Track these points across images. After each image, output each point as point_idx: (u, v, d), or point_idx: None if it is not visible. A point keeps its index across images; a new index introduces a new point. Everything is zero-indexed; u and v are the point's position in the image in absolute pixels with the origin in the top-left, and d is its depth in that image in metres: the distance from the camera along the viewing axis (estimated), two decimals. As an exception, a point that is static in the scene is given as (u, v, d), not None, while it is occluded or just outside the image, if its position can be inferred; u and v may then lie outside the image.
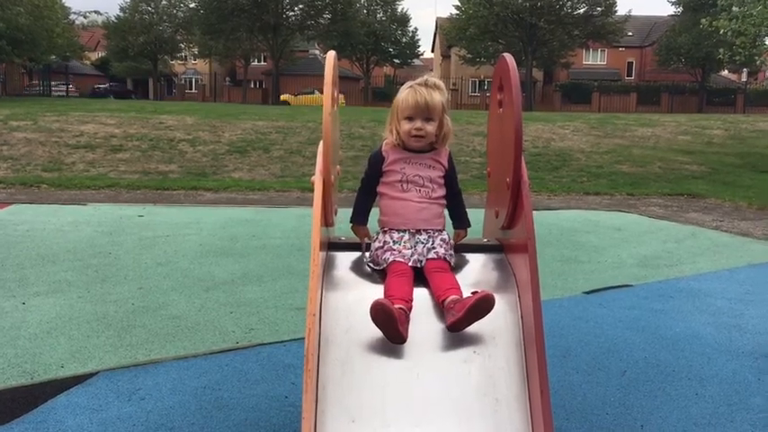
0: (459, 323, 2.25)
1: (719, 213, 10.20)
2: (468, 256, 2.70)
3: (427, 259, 2.44)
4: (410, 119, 2.45)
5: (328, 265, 2.60)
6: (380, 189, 2.58)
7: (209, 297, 5.06)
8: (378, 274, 2.52)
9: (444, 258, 2.47)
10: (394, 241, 2.48)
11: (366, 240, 2.64)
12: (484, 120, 17.49)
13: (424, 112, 2.44)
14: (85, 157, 13.88)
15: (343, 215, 2.81)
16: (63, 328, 4.30)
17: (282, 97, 41.43)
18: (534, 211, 2.43)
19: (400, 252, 2.45)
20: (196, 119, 18.43)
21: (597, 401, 3.38)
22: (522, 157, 2.45)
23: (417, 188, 2.51)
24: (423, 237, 2.51)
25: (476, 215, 2.86)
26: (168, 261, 6.17)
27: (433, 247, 2.48)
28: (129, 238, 7.18)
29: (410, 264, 2.43)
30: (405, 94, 2.47)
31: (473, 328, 2.32)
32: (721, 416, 3.26)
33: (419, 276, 2.47)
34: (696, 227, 8.89)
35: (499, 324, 2.40)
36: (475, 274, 2.63)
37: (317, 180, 2.41)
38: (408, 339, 2.28)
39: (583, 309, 4.95)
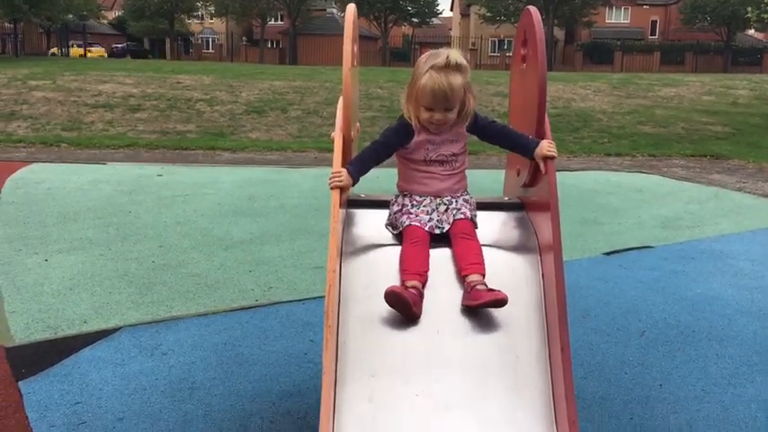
0: (471, 308, 2.25)
1: (743, 175, 10.04)
2: (489, 214, 2.66)
3: (455, 219, 2.37)
4: (429, 109, 2.30)
5: (347, 223, 2.58)
6: (400, 159, 2.47)
7: (229, 256, 5.09)
8: (396, 238, 2.49)
9: (471, 219, 2.40)
10: (413, 204, 2.41)
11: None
12: (504, 80, 17.27)
13: (443, 102, 2.27)
14: (104, 117, 13.91)
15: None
16: (85, 285, 4.36)
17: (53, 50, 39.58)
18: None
19: (417, 216, 2.38)
20: (213, 78, 18.35)
21: (616, 361, 3.37)
22: (546, 112, 2.40)
23: (441, 164, 2.42)
24: (446, 199, 2.43)
25: (496, 176, 2.83)
26: (187, 220, 6.21)
27: (459, 208, 2.41)
28: (149, 197, 7.22)
29: (426, 229, 2.37)
30: (423, 81, 2.25)
31: (494, 285, 2.30)
32: (741, 375, 3.25)
33: (442, 238, 2.45)
34: (719, 188, 8.76)
35: (520, 283, 2.38)
36: (496, 232, 2.60)
37: (337, 136, 2.38)
38: (429, 297, 2.27)
39: (603, 270, 4.92)
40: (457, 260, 2.33)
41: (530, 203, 2.63)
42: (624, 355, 3.43)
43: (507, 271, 2.40)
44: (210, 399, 3.00)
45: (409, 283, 2.21)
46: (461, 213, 2.38)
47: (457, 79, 2.25)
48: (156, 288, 4.33)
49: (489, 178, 2.77)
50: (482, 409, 2.14)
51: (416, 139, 2.38)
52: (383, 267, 2.35)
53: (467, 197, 2.47)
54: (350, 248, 2.46)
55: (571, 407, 1.98)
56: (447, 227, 2.36)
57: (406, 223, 2.37)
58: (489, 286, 2.22)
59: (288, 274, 4.68)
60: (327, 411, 2.04)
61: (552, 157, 2.32)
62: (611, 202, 7.53)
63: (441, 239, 2.43)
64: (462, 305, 2.24)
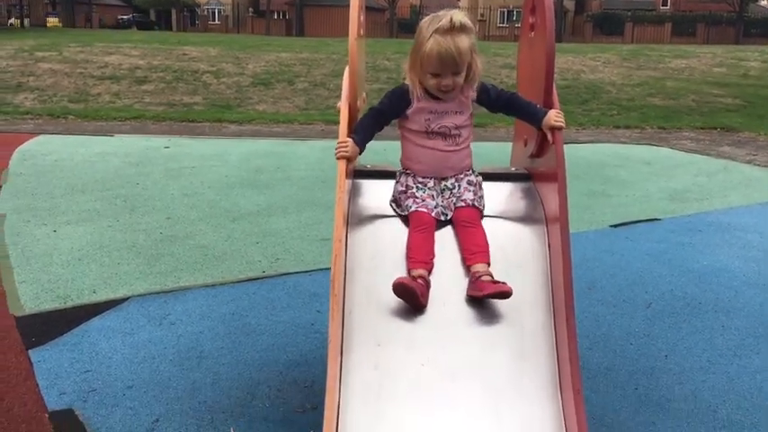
0: (474, 298, 2.23)
1: (753, 147, 9.96)
2: (496, 184, 2.65)
3: (456, 208, 2.31)
4: (436, 75, 2.21)
5: (354, 193, 2.58)
6: (402, 132, 2.40)
7: (236, 227, 5.11)
8: (401, 218, 2.49)
9: (473, 205, 2.32)
10: (417, 187, 2.35)
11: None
12: (512, 51, 17.09)
13: (451, 66, 2.19)
14: (111, 89, 13.88)
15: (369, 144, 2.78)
16: (94, 256, 4.38)
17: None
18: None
19: (423, 201, 2.31)
20: (219, 50, 18.24)
21: (621, 332, 3.38)
22: (554, 82, 2.38)
23: (444, 137, 2.33)
24: (449, 182, 2.36)
25: (504, 148, 2.81)
26: (194, 192, 6.22)
27: (461, 194, 2.34)
28: (156, 169, 7.23)
29: (433, 215, 2.30)
30: (429, 46, 2.16)
31: (500, 257, 2.31)
32: (747, 347, 3.26)
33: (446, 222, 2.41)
34: (728, 161, 8.70)
35: (526, 255, 2.38)
36: (502, 203, 2.59)
37: (343, 105, 2.37)
38: (435, 269, 2.28)
39: (609, 242, 4.91)
40: (461, 249, 2.30)
41: (537, 174, 2.61)
42: (630, 327, 3.44)
43: (513, 242, 2.40)
44: (218, 367, 3.03)
45: (416, 273, 2.20)
46: (462, 201, 2.32)
47: (463, 41, 2.17)
48: (163, 259, 4.36)
49: (497, 150, 2.74)
50: (487, 377, 2.16)
51: (416, 105, 2.31)
52: (389, 238, 2.35)
53: (471, 178, 2.39)
54: (356, 219, 2.46)
55: (575, 375, 1.99)
56: (450, 213, 2.32)
57: (413, 208, 2.32)
58: (494, 276, 2.21)
59: (295, 245, 4.69)
60: (333, 379, 2.06)
61: (560, 128, 2.27)
62: (620, 175, 7.49)
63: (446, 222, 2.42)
64: (467, 295, 2.23)
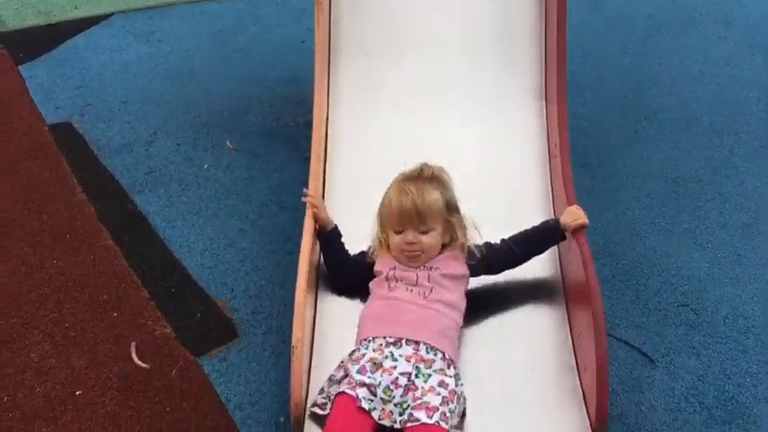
0: None
1: None
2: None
3: (406, 428, 1.41)
4: (398, 231, 1.65)
5: None
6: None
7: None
8: None
9: (437, 423, 1.39)
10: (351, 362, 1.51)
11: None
12: None
13: (414, 221, 1.61)
14: None
15: None
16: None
17: None
18: None
19: (360, 381, 1.44)
20: None
21: (617, 46, 3.33)
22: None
23: (409, 287, 1.62)
24: (406, 351, 1.49)
25: None
26: None
27: (421, 397, 1.43)
28: None
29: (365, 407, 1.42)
30: (388, 196, 1.66)
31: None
32: (741, 57, 3.24)
33: None
34: None
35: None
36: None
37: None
38: None
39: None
40: None
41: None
42: (626, 41, 3.37)
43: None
44: (210, 84, 3.04)
45: None
46: (414, 419, 1.40)
47: (432, 194, 1.62)
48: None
49: None
50: (473, 89, 2.18)
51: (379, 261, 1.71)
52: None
53: (444, 378, 1.47)
54: None
55: (562, 84, 2.00)
56: (398, 423, 1.43)
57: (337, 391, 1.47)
58: None
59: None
60: (321, 93, 2.09)
61: (584, 225, 1.67)
62: None
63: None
64: None
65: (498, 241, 1.71)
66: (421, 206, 1.60)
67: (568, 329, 1.64)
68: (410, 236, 1.61)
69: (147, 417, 1.70)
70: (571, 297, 1.68)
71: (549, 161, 1.98)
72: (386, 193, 1.68)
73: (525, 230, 1.71)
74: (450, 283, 1.61)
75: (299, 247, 1.62)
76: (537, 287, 1.75)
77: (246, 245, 2.22)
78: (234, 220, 2.32)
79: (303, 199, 1.70)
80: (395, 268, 1.63)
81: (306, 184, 1.80)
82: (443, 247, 1.65)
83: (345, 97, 2.17)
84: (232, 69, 3.15)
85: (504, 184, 1.96)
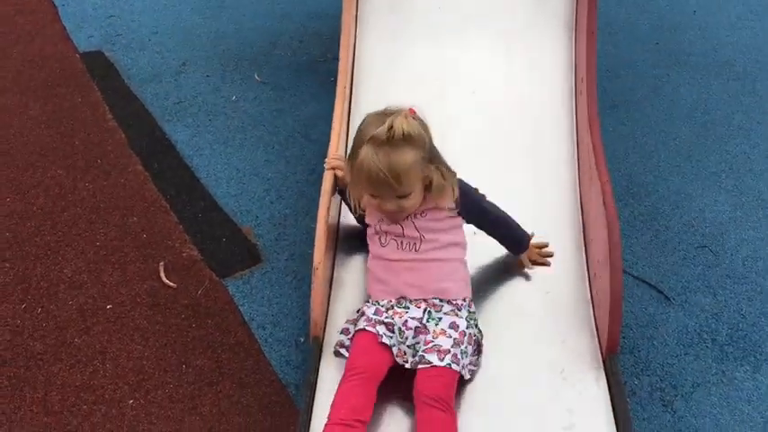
0: None
1: None
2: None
3: (418, 369, 1.40)
4: (375, 196, 1.50)
5: None
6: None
7: None
8: None
9: (448, 365, 1.38)
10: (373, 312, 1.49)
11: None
12: None
13: (390, 190, 1.46)
14: None
15: None
16: None
17: None
18: None
19: (378, 320, 1.46)
20: None
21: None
22: None
23: (398, 241, 1.54)
24: (412, 311, 1.47)
25: None
26: None
27: (432, 340, 1.42)
28: None
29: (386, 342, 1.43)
30: (360, 158, 1.45)
31: None
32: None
33: None
34: None
35: None
36: None
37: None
38: None
39: None
40: None
41: None
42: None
43: None
44: (240, 17, 3.05)
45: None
46: (426, 360, 1.39)
47: (405, 156, 1.43)
48: None
49: None
50: (502, 24, 2.16)
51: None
52: None
53: (454, 320, 1.46)
54: None
55: (592, 16, 1.97)
56: (409, 364, 1.42)
57: (357, 328, 1.47)
58: None
59: None
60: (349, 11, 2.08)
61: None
62: None
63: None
64: None
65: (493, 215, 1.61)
66: (395, 174, 1.42)
67: (585, 263, 1.66)
68: (389, 205, 1.48)
69: (174, 332, 1.77)
70: (589, 231, 1.69)
71: (576, 95, 1.97)
72: (359, 142, 1.46)
73: (507, 221, 1.62)
74: (441, 224, 1.53)
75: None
76: (555, 218, 1.75)
77: (272, 174, 2.26)
78: (260, 151, 2.36)
79: (326, 165, 1.66)
80: (382, 220, 1.54)
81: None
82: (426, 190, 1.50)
83: (374, 27, 2.16)
84: (262, 3, 3.15)
85: (531, 113, 1.96)
